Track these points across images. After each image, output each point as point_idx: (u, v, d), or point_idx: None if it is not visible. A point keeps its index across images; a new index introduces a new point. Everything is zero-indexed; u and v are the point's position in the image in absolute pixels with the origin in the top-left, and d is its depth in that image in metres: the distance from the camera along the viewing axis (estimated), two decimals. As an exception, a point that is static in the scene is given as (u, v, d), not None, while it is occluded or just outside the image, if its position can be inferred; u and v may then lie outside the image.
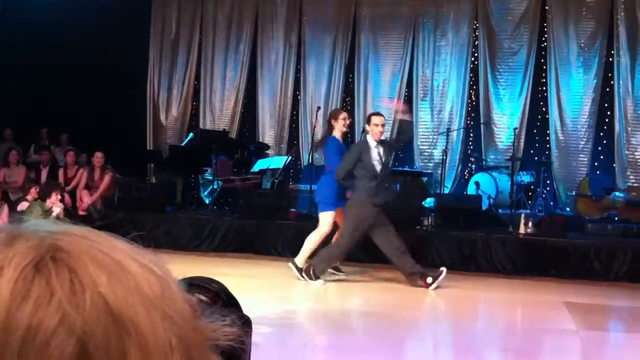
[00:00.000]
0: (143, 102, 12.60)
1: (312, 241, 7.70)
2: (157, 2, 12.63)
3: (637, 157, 10.55)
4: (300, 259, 7.66)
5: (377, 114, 7.89)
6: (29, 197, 8.52)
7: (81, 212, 9.88)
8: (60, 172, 10.63)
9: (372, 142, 7.53)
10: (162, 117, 12.66)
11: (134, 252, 0.51)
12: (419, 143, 11.46)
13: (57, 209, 8.18)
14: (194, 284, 0.97)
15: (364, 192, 7.38)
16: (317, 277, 7.38)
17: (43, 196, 8.38)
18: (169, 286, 0.50)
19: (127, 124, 11.98)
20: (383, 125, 7.67)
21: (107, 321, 0.45)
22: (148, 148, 12.56)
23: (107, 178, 10.34)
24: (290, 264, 7.66)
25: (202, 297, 0.94)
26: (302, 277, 7.43)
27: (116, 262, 0.48)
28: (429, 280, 7.29)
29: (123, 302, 0.46)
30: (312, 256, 7.63)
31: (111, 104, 11.66)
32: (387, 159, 7.76)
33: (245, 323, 0.88)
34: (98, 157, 10.37)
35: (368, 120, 7.74)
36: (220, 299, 0.93)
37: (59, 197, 8.46)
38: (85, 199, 10.15)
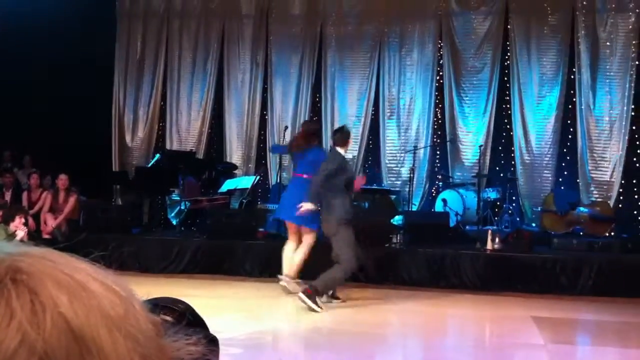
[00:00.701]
0: (108, 122, 12.48)
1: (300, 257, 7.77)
2: (122, 21, 12.56)
3: (600, 172, 10.74)
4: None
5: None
6: (-8, 220, 8.36)
7: (45, 236, 9.73)
8: (24, 195, 10.47)
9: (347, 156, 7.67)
10: (128, 138, 12.55)
11: (96, 272, 0.50)
12: (387, 161, 11.53)
13: (21, 233, 8.05)
14: (160, 305, 0.96)
15: (349, 209, 7.34)
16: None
17: (6, 220, 8.24)
18: (132, 306, 0.50)
19: (92, 145, 11.85)
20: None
21: (69, 341, 0.44)
22: (114, 169, 12.42)
23: (71, 200, 10.21)
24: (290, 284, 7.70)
25: (168, 318, 0.93)
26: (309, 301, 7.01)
27: (77, 282, 0.48)
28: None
29: (84, 322, 0.45)
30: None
31: (76, 125, 11.53)
32: None
33: (212, 342, 0.87)
34: (62, 180, 10.24)
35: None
36: (186, 319, 0.92)
37: (23, 220, 8.32)
38: (50, 222, 10.00)
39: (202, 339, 0.59)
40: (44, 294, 0.46)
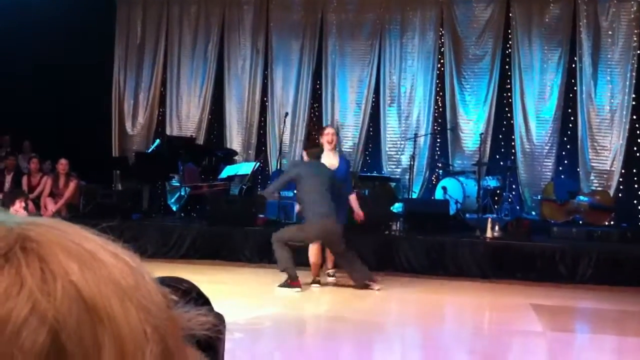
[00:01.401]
0: (109, 108, 12.45)
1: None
2: (121, 7, 12.51)
3: (600, 161, 10.73)
4: None
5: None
6: (-9, 205, 8.37)
7: (45, 220, 9.71)
8: (24, 180, 10.46)
9: None
10: (128, 124, 12.53)
11: (106, 242, 0.50)
12: (387, 149, 11.52)
13: (21, 217, 8.03)
14: (164, 284, 0.96)
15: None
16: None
17: (6, 204, 8.22)
18: (143, 277, 0.50)
19: (92, 131, 11.83)
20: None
21: (80, 310, 0.44)
22: (114, 155, 12.41)
23: (71, 185, 10.20)
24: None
25: (172, 296, 0.93)
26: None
27: (88, 251, 0.47)
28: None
29: (96, 291, 0.45)
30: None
31: (76, 110, 11.51)
32: None
33: (218, 319, 0.87)
34: (63, 164, 10.23)
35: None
36: (191, 298, 0.92)
37: (23, 204, 8.30)
38: (50, 207, 10.00)
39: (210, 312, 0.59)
40: (54, 262, 0.45)
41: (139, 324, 0.45)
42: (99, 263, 0.47)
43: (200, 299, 0.98)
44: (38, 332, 0.42)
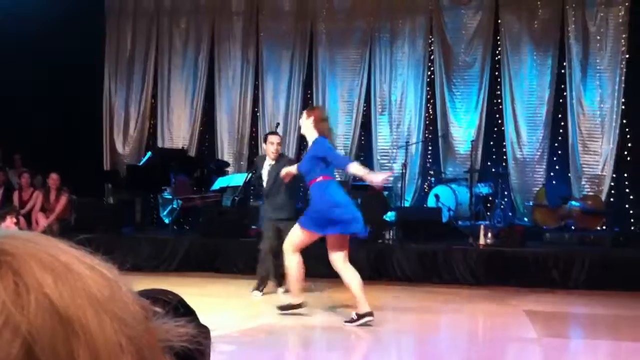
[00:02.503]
0: (99, 121, 12.43)
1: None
2: (111, 19, 12.51)
3: (591, 166, 10.77)
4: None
5: (273, 133, 8.01)
6: (-17, 220, 8.31)
7: (37, 235, 9.67)
8: (15, 195, 10.42)
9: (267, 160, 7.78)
10: (119, 136, 12.51)
11: (82, 255, 0.50)
12: (379, 157, 11.53)
13: (12, 232, 8.00)
14: (149, 296, 0.95)
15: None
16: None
17: (-2, 219, 8.19)
18: (119, 288, 0.49)
19: (83, 144, 11.80)
20: (279, 144, 7.79)
21: (54, 322, 0.43)
22: (105, 168, 12.38)
23: (63, 200, 10.17)
24: None
25: (157, 309, 0.92)
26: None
27: (63, 263, 0.47)
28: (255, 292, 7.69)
29: (70, 303, 0.45)
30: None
31: (66, 124, 11.48)
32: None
33: (203, 331, 0.86)
34: (53, 179, 10.20)
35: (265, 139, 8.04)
36: (176, 310, 0.91)
37: (14, 220, 8.27)
38: (41, 222, 9.96)
39: (193, 323, 0.58)
40: (29, 275, 0.45)
41: (114, 336, 0.45)
42: (74, 275, 0.47)
43: (186, 311, 0.97)
44: (11, 345, 0.42)
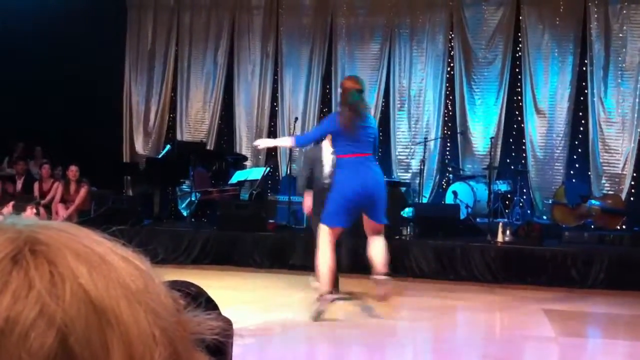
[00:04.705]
0: (119, 114, 12.51)
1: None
2: (132, 13, 12.57)
3: (611, 164, 10.67)
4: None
5: None
6: (4, 210, 8.42)
7: (57, 226, 9.76)
8: (36, 186, 10.52)
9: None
10: (139, 129, 12.58)
11: (116, 246, 0.50)
12: (397, 153, 11.50)
13: (32, 223, 8.08)
14: (172, 288, 0.96)
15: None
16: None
17: (18, 210, 8.29)
18: (152, 280, 0.49)
19: (103, 137, 11.88)
20: None
21: (89, 312, 0.44)
22: (124, 160, 12.46)
23: (82, 191, 10.24)
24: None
25: (181, 301, 0.93)
26: None
27: (97, 254, 0.47)
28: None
29: (104, 294, 0.45)
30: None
31: (87, 116, 11.57)
32: None
33: (227, 323, 0.86)
34: (73, 171, 10.28)
35: None
36: (200, 302, 0.91)
37: (35, 210, 8.38)
38: (61, 213, 10.04)
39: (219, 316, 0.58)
40: (63, 264, 0.45)
41: (148, 327, 0.45)
42: (108, 266, 0.47)
43: (208, 304, 0.97)
44: (46, 335, 0.42)
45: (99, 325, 0.44)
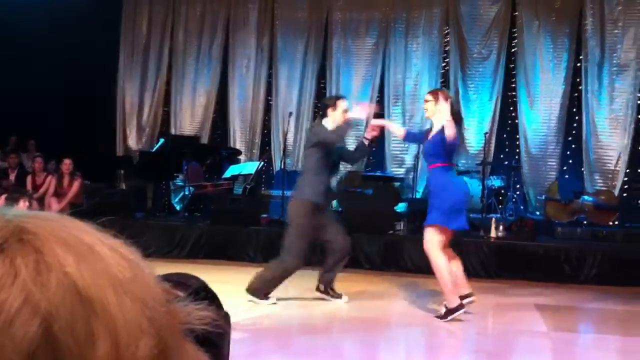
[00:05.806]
0: (113, 107, 12.48)
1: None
2: (127, 6, 12.53)
3: (604, 161, 10.70)
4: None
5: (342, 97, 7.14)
6: (-4, 203, 8.38)
7: (50, 219, 9.74)
8: (29, 179, 10.49)
9: None
10: (133, 123, 12.55)
11: (104, 236, 0.50)
12: (391, 148, 11.51)
13: (25, 216, 8.05)
14: (172, 280, 0.95)
15: (318, 192, 6.55)
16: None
17: (10, 203, 8.25)
18: (141, 270, 0.49)
19: (96, 130, 11.86)
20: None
21: (74, 302, 0.43)
22: (118, 154, 12.43)
23: (75, 185, 10.22)
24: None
25: (180, 293, 0.92)
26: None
27: (86, 244, 0.47)
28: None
29: (91, 283, 0.44)
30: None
31: (80, 110, 11.53)
32: None
33: (223, 316, 0.86)
34: (66, 164, 10.25)
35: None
36: (199, 295, 0.90)
37: (27, 204, 8.32)
38: (54, 206, 10.02)
39: (213, 308, 0.58)
40: (50, 253, 0.45)
41: (134, 317, 0.45)
42: (96, 256, 0.46)
43: (207, 295, 0.97)
44: (30, 323, 0.42)
45: (84, 314, 0.43)
